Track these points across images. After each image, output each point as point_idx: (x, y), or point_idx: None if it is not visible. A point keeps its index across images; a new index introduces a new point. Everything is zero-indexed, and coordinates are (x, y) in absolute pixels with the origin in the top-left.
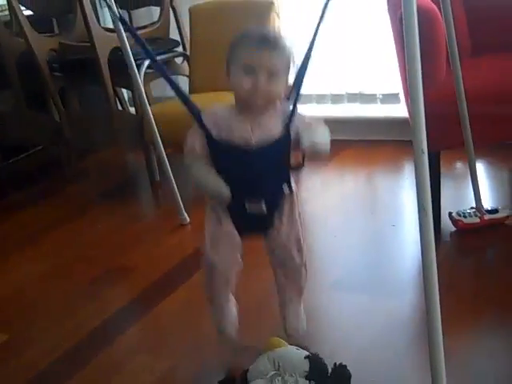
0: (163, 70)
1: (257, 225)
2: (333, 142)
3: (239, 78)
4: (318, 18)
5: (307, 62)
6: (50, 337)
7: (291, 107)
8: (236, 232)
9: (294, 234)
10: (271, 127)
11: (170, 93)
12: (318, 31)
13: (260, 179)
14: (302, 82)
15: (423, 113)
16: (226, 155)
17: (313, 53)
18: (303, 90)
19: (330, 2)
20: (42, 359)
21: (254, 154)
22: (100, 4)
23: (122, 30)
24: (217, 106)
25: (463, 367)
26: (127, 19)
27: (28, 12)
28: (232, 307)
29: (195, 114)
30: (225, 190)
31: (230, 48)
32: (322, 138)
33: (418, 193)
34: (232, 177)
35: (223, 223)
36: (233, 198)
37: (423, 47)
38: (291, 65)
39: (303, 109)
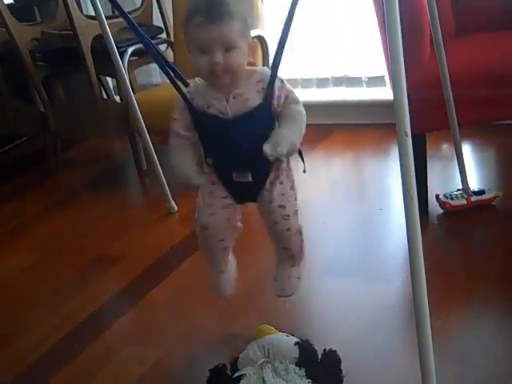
0: (155, 52)
1: (246, 193)
2: (319, 126)
3: (196, 58)
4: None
5: (287, 31)
6: (39, 328)
7: (270, 74)
8: (230, 196)
9: (277, 200)
10: (247, 97)
11: (156, 80)
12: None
13: (241, 148)
14: (282, 50)
15: (406, 95)
16: (207, 126)
17: (293, 19)
18: (288, 73)
19: None
20: (32, 351)
21: (232, 125)
22: None
23: (104, 17)
24: (195, 80)
25: (451, 348)
26: (109, 6)
27: (9, 0)
28: (230, 268)
29: (177, 86)
30: (193, 180)
31: (183, 25)
32: (288, 141)
33: (402, 176)
34: (216, 147)
35: (216, 190)
36: (220, 167)
37: (406, 29)
38: (247, 28)
39: None
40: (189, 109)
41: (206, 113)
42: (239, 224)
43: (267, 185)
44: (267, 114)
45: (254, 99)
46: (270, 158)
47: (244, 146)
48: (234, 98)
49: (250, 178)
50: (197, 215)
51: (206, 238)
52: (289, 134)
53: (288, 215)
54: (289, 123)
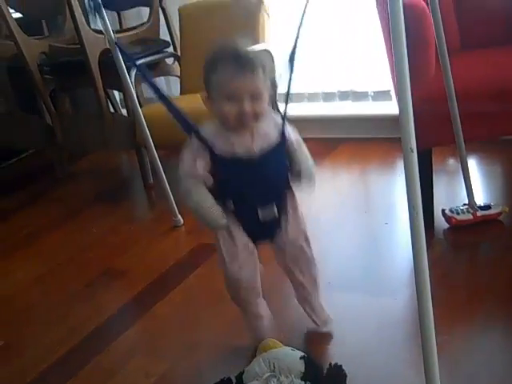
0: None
1: (268, 229)
2: (325, 140)
3: (223, 107)
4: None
5: (292, 70)
6: (45, 341)
7: (282, 113)
8: (251, 240)
9: (301, 229)
10: (268, 133)
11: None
12: (298, 41)
13: (267, 185)
14: (289, 89)
15: (411, 110)
16: (232, 169)
17: (296, 60)
18: (294, 87)
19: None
20: (37, 364)
21: (259, 162)
22: (89, 6)
23: (111, 32)
24: (206, 123)
25: (457, 363)
26: (117, 20)
27: (17, 15)
28: (266, 310)
29: (193, 129)
30: (223, 221)
31: (206, 73)
32: (314, 169)
33: (407, 191)
34: (240, 188)
35: (236, 236)
36: (243, 209)
37: (411, 44)
38: (272, 77)
39: (295, 107)
40: (210, 154)
41: (232, 156)
42: (260, 264)
43: (289, 215)
44: (284, 146)
45: (273, 132)
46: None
47: (270, 181)
48: (258, 134)
49: (276, 213)
50: (222, 267)
51: (238, 290)
52: (311, 163)
53: (309, 241)
54: (301, 155)
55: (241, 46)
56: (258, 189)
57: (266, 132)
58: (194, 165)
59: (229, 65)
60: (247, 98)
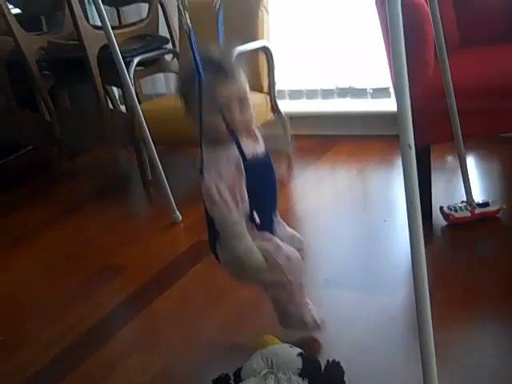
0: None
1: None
2: (324, 137)
3: (215, 120)
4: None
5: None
6: (43, 338)
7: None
8: None
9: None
10: (259, 142)
11: (161, 90)
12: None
13: (275, 185)
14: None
15: (409, 107)
16: (255, 173)
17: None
18: (293, 84)
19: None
20: (35, 361)
21: (268, 164)
22: (88, 1)
23: (110, 28)
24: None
25: (454, 360)
26: (116, 16)
27: (16, 10)
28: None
29: (234, 138)
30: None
31: (184, 87)
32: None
33: (405, 188)
34: (262, 195)
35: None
36: (265, 219)
37: (410, 41)
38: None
39: (294, 104)
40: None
41: (253, 160)
42: None
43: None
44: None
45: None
46: None
47: (275, 184)
48: (253, 142)
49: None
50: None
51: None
52: None
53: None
54: None
55: (215, 54)
56: (272, 193)
57: (258, 141)
58: (234, 195)
59: (209, 73)
60: (237, 105)
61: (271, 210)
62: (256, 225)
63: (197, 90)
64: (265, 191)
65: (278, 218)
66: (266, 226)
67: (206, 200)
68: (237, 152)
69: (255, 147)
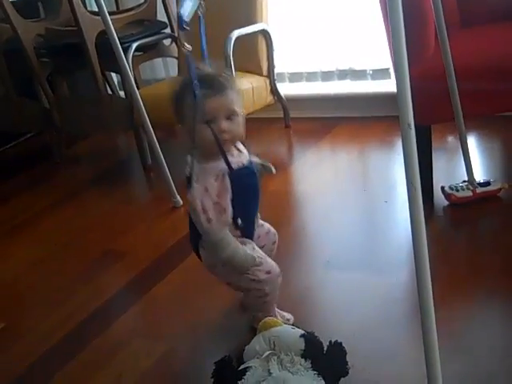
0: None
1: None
2: (324, 119)
3: (201, 130)
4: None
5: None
6: (45, 323)
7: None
8: None
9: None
10: (244, 153)
11: (159, 75)
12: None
13: (258, 192)
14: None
15: (409, 87)
16: (242, 182)
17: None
18: (292, 67)
19: None
20: (37, 346)
21: (251, 170)
22: None
23: (107, 13)
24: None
25: (456, 340)
26: (113, 2)
27: None
28: None
29: (221, 149)
30: (255, 258)
31: (177, 102)
32: None
33: (406, 168)
34: (248, 199)
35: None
36: (248, 223)
37: (409, 21)
38: (239, 99)
39: (294, 87)
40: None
41: (238, 168)
42: None
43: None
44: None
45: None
46: None
47: (258, 189)
48: (237, 151)
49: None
50: (271, 272)
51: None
52: None
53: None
54: None
55: (207, 71)
56: (256, 199)
57: (242, 152)
58: (220, 203)
59: (203, 87)
60: (224, 118)
61: (254, 216)
62: (239, 230)
63: (191, 101)
64: (249, 198)
65: (257, 218)
66: (249, 230)
67: (190, 209)
68: (223, 164)
69: (241, 158)
